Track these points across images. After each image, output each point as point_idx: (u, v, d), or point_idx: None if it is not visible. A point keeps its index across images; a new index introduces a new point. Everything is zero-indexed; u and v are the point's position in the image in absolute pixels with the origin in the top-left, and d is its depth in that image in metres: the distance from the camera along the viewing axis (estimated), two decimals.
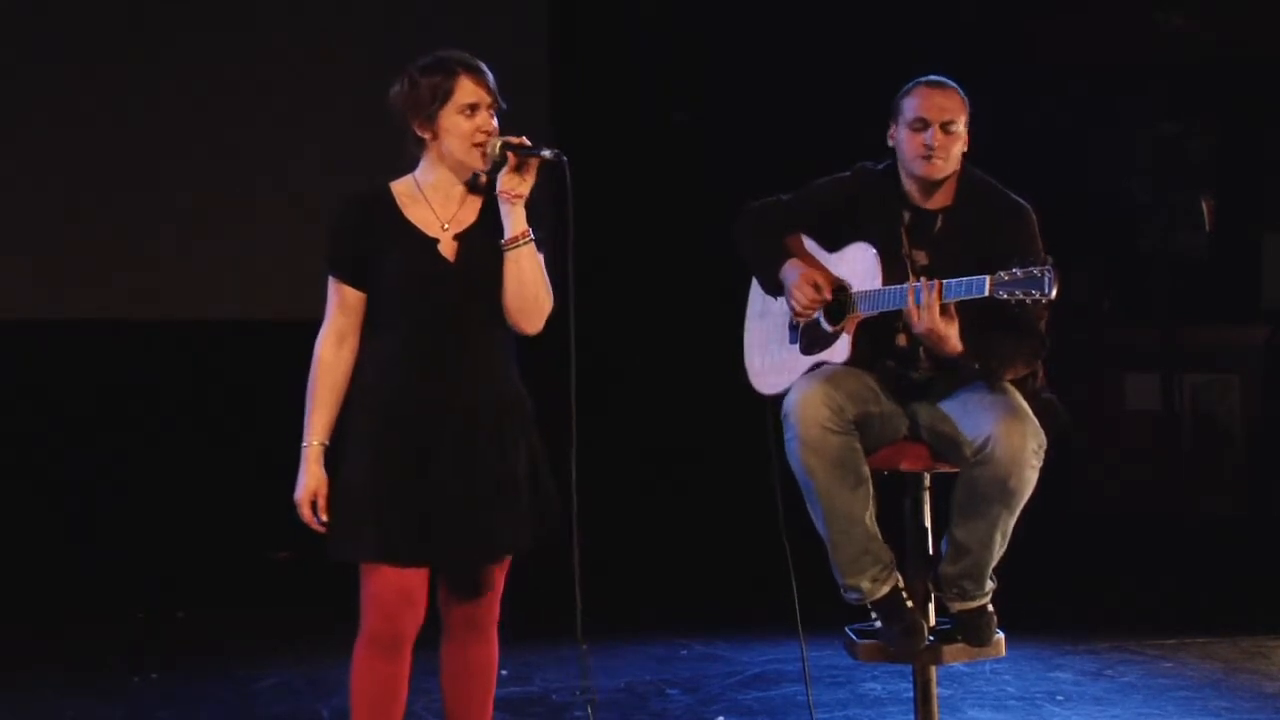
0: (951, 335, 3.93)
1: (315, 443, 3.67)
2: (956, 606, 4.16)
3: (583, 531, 3.74)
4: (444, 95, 3.66)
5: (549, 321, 3.76)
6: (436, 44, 3.78)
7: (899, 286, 4.03)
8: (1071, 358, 7.83)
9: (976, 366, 4.02)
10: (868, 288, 4.12)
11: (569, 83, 8.17)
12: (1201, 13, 7.99)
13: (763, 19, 8.14)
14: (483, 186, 3.77)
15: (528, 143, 3.71)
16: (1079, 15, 8.16)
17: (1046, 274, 3.76)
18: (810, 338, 4.27)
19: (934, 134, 4.09)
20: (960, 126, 4.13)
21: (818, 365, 4.21)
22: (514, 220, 3.70)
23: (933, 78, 4.19)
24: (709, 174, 7.87)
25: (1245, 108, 8.25)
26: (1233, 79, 8.16)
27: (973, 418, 4.01)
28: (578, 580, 3.73)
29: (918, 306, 3.92)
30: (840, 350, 4.17)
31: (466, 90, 3.67)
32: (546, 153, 3.70)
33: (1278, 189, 8.35)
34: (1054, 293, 3.76)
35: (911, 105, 4.14)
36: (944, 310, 3.92)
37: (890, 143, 4.21)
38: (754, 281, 4.45)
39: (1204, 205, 8.03)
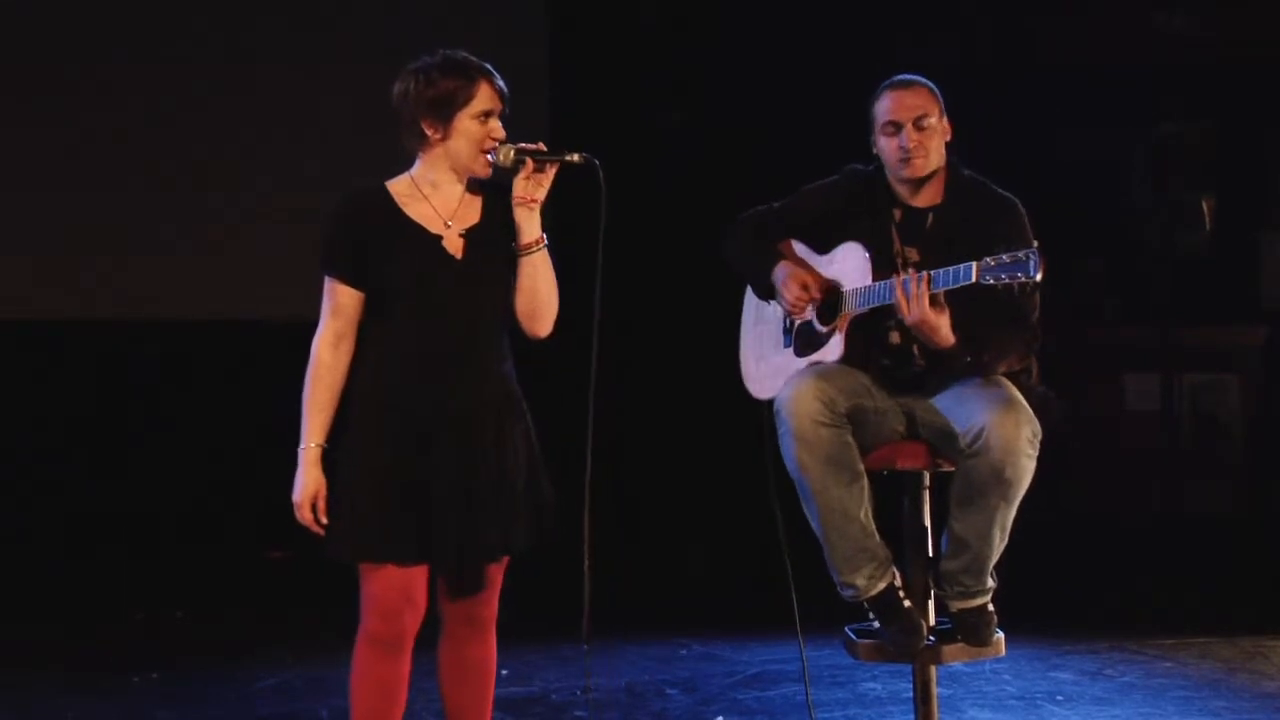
0: (943, 326, 3.93)
1: (313, 445, 3.66)
2: (956, 605, 4.16)
3: (588, 531, 3.75)
4: (464, 99, 3.66)
5: (562, 324, 3.77)
6: (436, 44, 3.78)
7: (888, 281, 4.04)
8: (1071, 358, 7.85)
9: (969, 359, 4.02)
10: (859, 286, 4.13)
11: (569, 83, 8.18)
12: (1201, 13, 7.99)
13: (761, 19, 8.14)
14: (481, 186, 3.77)
15: (544, 148, 3.72)
16: (1079, 15, 8.16)
17: (1031, 256, 3.75)
18: (804, 339, 4.28)
19: (908, 134, 4.11)
20: (934, 120, 4.14)
21: (812, 366, 4.21)
22: (530, 226, 3.72)
23: (898, 77, 4.21)
24: (707, 174, 7.87)
25: (1245, 108, 8.25)
26: (1233, 79, 8.16)
27: (966, 409, 4.01)
28: (587, 580, 3.73)
29: (906, 298, 3.92)
30: (833, 349, 4.17)
31: (485, 97, 3.68)
32: (574, 156, 3.70)
33: (1278, 189, 8.35)
34: (1039, 275, 3.74)
35: (882, 109, 4.16)
36: (934, 301, 3.92)
37: (875, 150, 4.22)
38: (748, 290, 4.47)
39: (1204, 205, 8.03)
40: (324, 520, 3.66)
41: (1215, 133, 8.31)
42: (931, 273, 3.93)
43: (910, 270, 3.99)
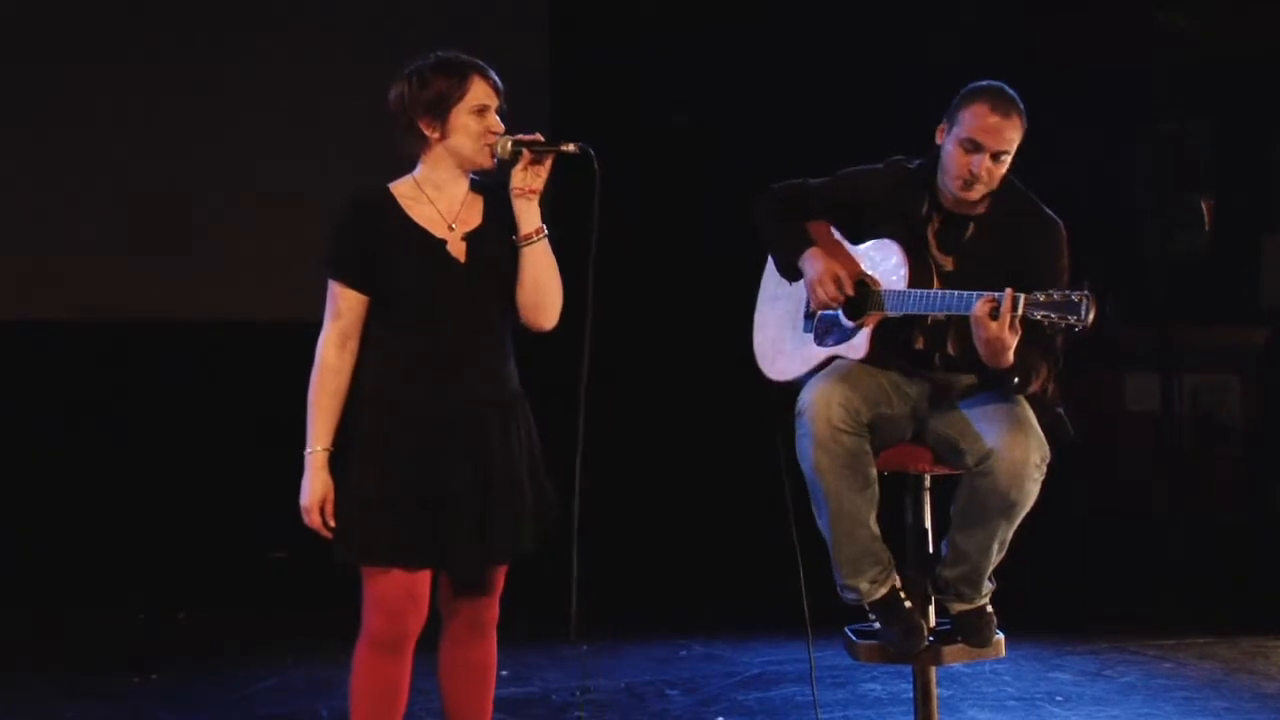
0: (1012, 345, 3.82)
1: (320, 449, 3.66)
2: (955, 608, 4.16)
3: (584, 530, 3.75)
4: (459, 95, 3.67)
5: (564, 322, 3.77)
6: (436, 44, 3.79)
7: (932, 291, 3.96)
8: (1071, 358, 7.84)
9: (1016, 381, 3.96)
10: (894, 288, 4.05)
11: (569, 83, 8.18)
12: (1201, 13, 7.99)
13: (762, 19, 8.15)
14: (483, 188, 3.78)
15: (541, 139, 3.72)
16: (1079, 15, 8.16)
17: (1085, 300, 3.66)
18: (825, 328, 4.21)
19: (982, 162, 3.97)
20: (1011, 154, 4.00)
21: (832, 358, 4.16)
22: (529, 216, 3.72)
23: (998, 92, 4.00)
24: (709, 175, 7.88)
25: (1245, 108, 8.25)
26: (1233, 79, 8.16)
27: (978, 427, 3.99)
28: (574, 579, 3.73)
29: (992, 316, 3.77)
30: (858, 346, 4.11)
31: (479, 91, 3.69)
32: (569, 146, 3.71)
33: (1278, 189, 8.35)
34: (1090, 319, 3.65)
35: (969, 123, 3.98)
36: (1011, 323, 3.79)
37: (938, 140, 4.07)
38: (769, 264, 4.38)
39: (1204, 206, 8.02)
40: (332, 524, 3.66)
41: (1215, 133, 8.31)
42: (989, 294, 3.80)
43: (1007, 289, 3.79)
